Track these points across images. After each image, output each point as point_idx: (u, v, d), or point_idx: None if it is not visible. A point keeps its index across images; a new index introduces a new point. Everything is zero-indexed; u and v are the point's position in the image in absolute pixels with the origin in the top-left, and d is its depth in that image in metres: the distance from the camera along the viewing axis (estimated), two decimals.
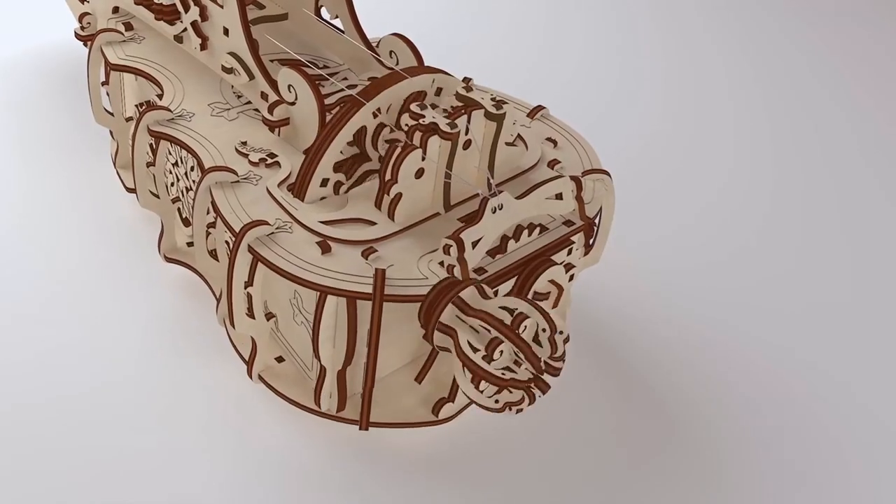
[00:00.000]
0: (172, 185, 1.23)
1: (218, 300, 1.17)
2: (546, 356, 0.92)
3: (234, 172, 1.07)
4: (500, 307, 0.94)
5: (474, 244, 0.99)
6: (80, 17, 1.36)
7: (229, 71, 1.15)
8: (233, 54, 1.15)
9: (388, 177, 1.02)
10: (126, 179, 1.37)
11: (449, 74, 1.11)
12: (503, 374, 0.93)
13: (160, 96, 1.22)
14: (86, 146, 1.49)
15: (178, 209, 1.24)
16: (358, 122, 1.05)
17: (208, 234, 1.14)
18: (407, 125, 1.04)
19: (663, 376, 1.23)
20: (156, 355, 1.19)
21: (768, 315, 1.34)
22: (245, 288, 1.03)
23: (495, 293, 1.02)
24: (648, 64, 1.94)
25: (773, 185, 1.62)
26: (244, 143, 1.12)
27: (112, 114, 1.34)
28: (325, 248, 1.00)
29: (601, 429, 1.15)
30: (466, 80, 1.28)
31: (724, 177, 1.62)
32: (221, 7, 1.13)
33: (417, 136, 1.02)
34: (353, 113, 1.05)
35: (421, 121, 1.01)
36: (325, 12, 1.28)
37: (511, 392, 0.94)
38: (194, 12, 1.16)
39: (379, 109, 1.06)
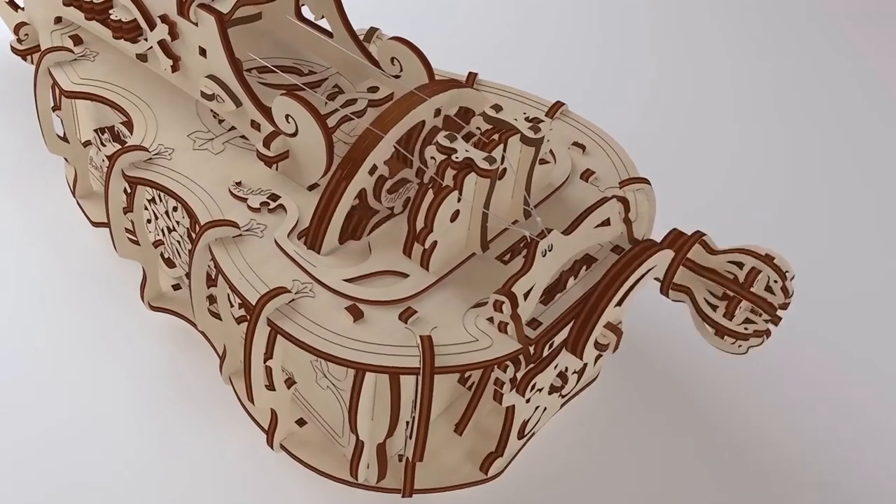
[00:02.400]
0: (149, 221, 1.08)
1: (221, 357, 1.03)
2: (780, 302, 0.92)
3: (236, 225, 0.93)
4: (728, 262, 0.93)
5: (526, 294, 0.87)
6: (16, 29, 1.17)
7: (210, 98, 0.99)
8: (213, 78, 0.99)
9: (420, 225, 0.89)
10: (90, 212, 1.21)
11: (470, 87, 0.97)
12: (745, 328, 0.93)
13: (127, 124, 1.05)
14: (36, 171, 1.30)
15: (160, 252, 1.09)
16: (376, 157, 0.91)
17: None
18: (433, 158, 0.90)
19: (703, 383, 1.14)
20: (157, 422, 1.05)
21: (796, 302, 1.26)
22: (264, 361, 0.90)
23: (550, 346, 0.91)
24: (644, 47, 1.77)
25: (786, 164, 1.51)
26: (238, 184, 0.97)
27: (66, 140, 1.17)
28: (356, 315, 0.86)
29: (652, 464, 1.06)
30: (472, 76, 1.14)
31: (728, 162, 1.50)
32: (196, 25, 0.97)
33: (449, 173, 0.88)
34: (371, 148, 0.91)
35: (454, 156, 0.88)
36: (307, 12, 1.12)
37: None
38: (162, 30, 0.99)
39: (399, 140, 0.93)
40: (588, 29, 1.78)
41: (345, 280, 0.89)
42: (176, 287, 1.12)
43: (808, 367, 1.18)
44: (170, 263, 1.10)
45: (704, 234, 0.95)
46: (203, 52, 0.98)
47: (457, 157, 0.88)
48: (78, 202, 1.22)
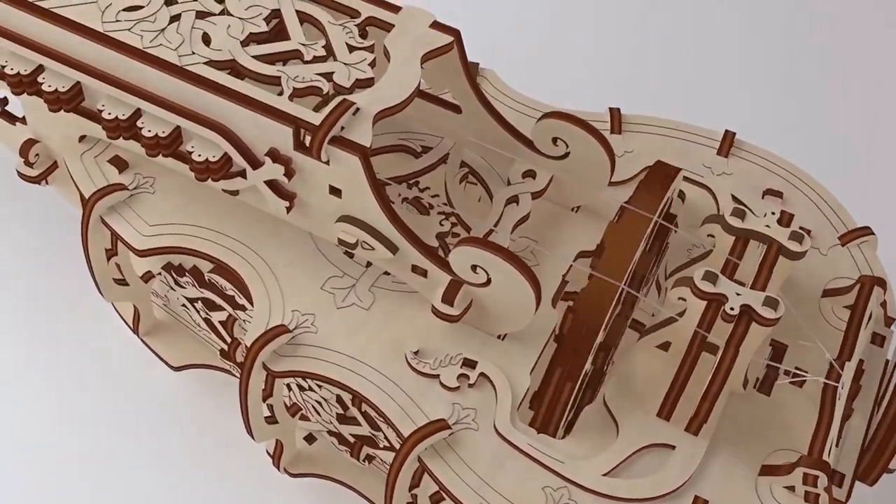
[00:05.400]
0: None
1: None
2: None
3: (446, 426, 0.72)
4: None
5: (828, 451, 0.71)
6: (24, 149, 0.89)
7: (353, 245, 0.76)
8: (353, 220, 0.75)
9: (700, 397, 0.70)
10: (164, 352, 0.97)
11: (679, 168, 0.77)
12: None
13: (232, 279, 0.81)
14: (64, 299, 1.05)
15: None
16: (609, 306, 0.72)
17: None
18: (682, 300, 0.71)
19: None
20: None
21: None
22: None
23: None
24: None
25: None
26: (417, 353, 0.76)
27: (125, 282, 0.92)
28: None
29: None
30: (615, 112, 0.93)
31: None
32: (326, 164, 0.73)
33: (720, 324, 0.69)
34: (609, 303, 0.71)
35: (726, 307, 0.68)
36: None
37: None
38: (272, 170, 0.74)
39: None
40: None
41: (605, 475, 0.71)
42: (308, 439, 0.92)
43: None
44: (301, 416, 0.89)
45: None
46: (336, 191, 0.74)
47: (731, 309, 0.69)
48: (144, 341, 0.97)
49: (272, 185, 0.76)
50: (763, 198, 0.88)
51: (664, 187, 0.75)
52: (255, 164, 0.75)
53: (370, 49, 0.78)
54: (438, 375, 0.75)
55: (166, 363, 0.96)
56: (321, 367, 0.75)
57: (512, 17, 1.37)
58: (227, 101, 0.73)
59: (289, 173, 0.75)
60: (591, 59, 1.31)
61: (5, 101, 0.91)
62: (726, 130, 0.92)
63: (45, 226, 1.10)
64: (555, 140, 0.82)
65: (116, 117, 0.78)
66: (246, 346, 0.76)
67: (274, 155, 0.74)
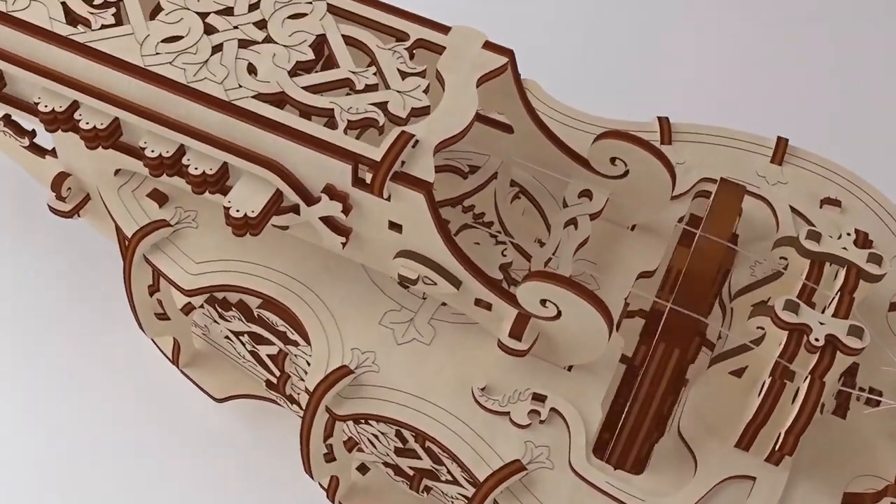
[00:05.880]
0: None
1: None
2: None
3: (521, 467, 0.70)
4: None
5: None
6: (56, 183, 0.85)
7: (414, 281, 0.73)
8: (414, 255, 0.72)
9: (787, 429, 0.68)
10: (207, 384, 0.94)
11: (744, 186, 0.74)
12: None
13: (285, 316, 0.78)
14: (97, 333, 1.02)
15: None
16: (692, 339, 0.70)
17: None
18: (760, 329, 0.69)
19: None
20: None
21: None
22: None
23: None
24: None
25: None
26: (483, 390, 0.74)
27: (166, 316, 0.89)
28: None
29: None
30: (664, 122, 0.90)
31: None
32: (387, 200, 0.70)
33: (803, 356, 0.67)
34: (692, 336, 0.69)
35: (811, 337, 0.66)
36: None
37: None
38: (329, 207, 0.71)
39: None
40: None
41: None
42: (361, 469, 0.90)
43: None
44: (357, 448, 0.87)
45: None
46: (396, 227, 0.72)
47: (816, 340, 0.66)
48: (183, 372, 0.94)
49: (328, 220, 0.73)
50: (821, 207, 0.86)
51: (734, 210, 0.73)
52: (310, 200, 0.72)
53: (422, 74, 0.75)
54: (509, 413, 0.73)
55: (209, 395, 0.94)
56: (389, 410, 0.73)
57: (524, 18, 1.33)
58: (280, 138, 0.70)
59: (346, 209, 0.72)
60: (622, 62, 1.28)
61: (34, 133, 0.88)
62: (778, 137, 0.90)
63: (67, 258, 1.08)
64: (613, 160, 0.80)
65: (160, 154, 0.74)
66: (307, 388, 0.74)
67: (331, 191, 0.71)
